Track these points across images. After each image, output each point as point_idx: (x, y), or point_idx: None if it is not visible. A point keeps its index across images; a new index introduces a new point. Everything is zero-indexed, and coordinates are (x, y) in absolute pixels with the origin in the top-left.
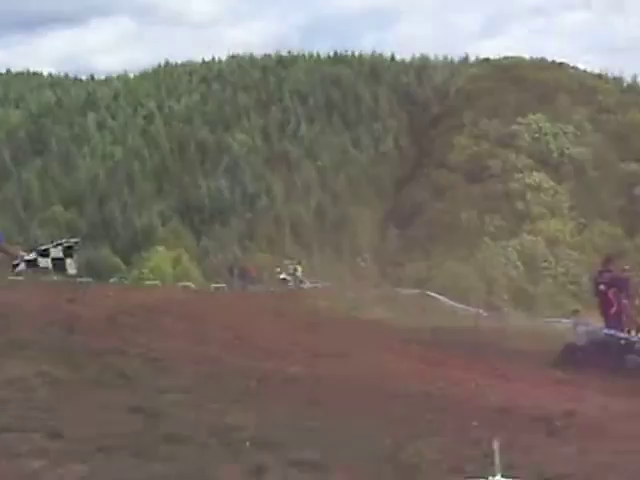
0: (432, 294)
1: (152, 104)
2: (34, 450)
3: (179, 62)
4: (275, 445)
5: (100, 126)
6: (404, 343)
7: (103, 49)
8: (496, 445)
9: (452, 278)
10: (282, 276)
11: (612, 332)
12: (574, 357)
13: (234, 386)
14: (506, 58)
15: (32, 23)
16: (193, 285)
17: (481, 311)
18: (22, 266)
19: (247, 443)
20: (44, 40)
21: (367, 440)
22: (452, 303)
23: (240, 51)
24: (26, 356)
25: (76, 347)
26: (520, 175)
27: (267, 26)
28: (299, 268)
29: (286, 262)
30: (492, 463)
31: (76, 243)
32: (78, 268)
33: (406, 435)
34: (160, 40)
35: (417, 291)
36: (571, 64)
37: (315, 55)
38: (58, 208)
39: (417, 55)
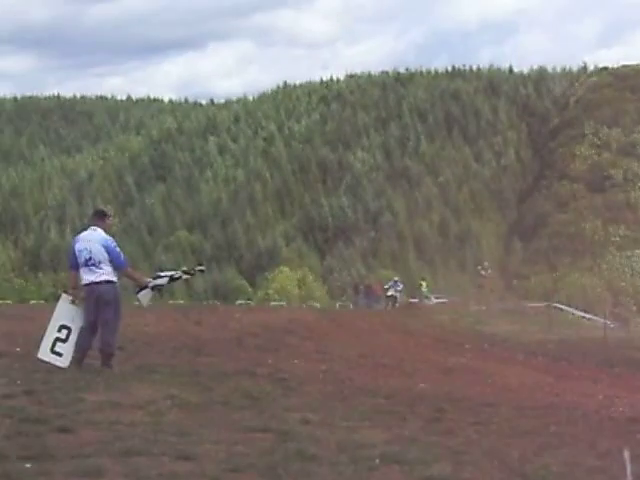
0: (558, 306)
1: (272, 126)
2: (164, 473)
3: (298, 83)
4: (404, 462)
5: (221, 150)
6: (531, 356)
7: (222, 73)
8: (627, 455)
9: (578, 290)
10: (389, 293)
11: None
12: None
13: (361, 404)
14: (625, 66)
15: (150, 50)
16: (318, 304)
17: (608, 322)
18: (147, 291)
19: (377, 460)
20: (163, 66)
21: (495, 454)
22: (579, 314)
23: (358, 70)
24: (155, 380)
25: (204, 369)
26: None
27: (384, 44)
28: (424, 284)
29: (390, 280)
30: (624, 474)
31: (201, 271)
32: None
33: (533, 448)
34: (278, 61)
35: (543, 303)
36: None
37: (433, 71)
38: (182, 232)
39: (535, 67)
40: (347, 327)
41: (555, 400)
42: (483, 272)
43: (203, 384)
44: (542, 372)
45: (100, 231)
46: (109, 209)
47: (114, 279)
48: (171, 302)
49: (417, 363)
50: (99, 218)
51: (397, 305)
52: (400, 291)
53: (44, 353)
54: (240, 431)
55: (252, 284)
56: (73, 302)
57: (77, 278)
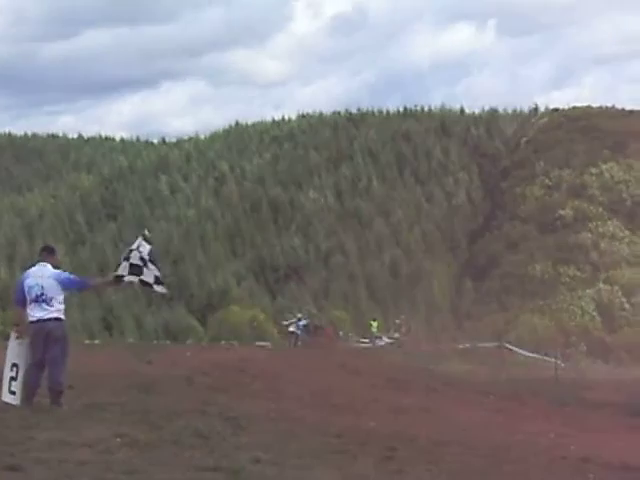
0: (509, 346)
1: (224, 165)
2: None
3: (250, 122)
4: None
5: (173, 189)
6: (482, 395)
7: (174, 112)
8: None
9: (529, 330)
10: (290, 329)
11: None
12: None
13: (313, 442)
14: (576, 108)
15: (102, 88)
16: (269, 344)
17: (559, 362)
18: (128, 277)
19: None
20: (115, 105)
21: None
22: (530, 355)
23: (310, 110)
24: (104, 418)
25: (154, 408)
26: (593, 225)
27: (337, 84)
28: (374, 324)
29: (293, 314)
30: None
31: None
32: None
33: None
34: (231, 101)
35: (494, 344)
36: None
37: (385, 111)
38: None
39: (486, 108)
40: (298, 366)
41: (507, 439)
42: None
43: (153, 423)
44: (494, 411)
45: (50, 267)
46: (56, 246)
47: (63, 317)
48: (121, 342)
49: (368, 402)
50: (48, 254)
51: (299, 344)
52: (303, 327)
53: (5, 395)
54: (191, 470)
55: (203, 323)
56: (18, 338)
57: (23, 314)
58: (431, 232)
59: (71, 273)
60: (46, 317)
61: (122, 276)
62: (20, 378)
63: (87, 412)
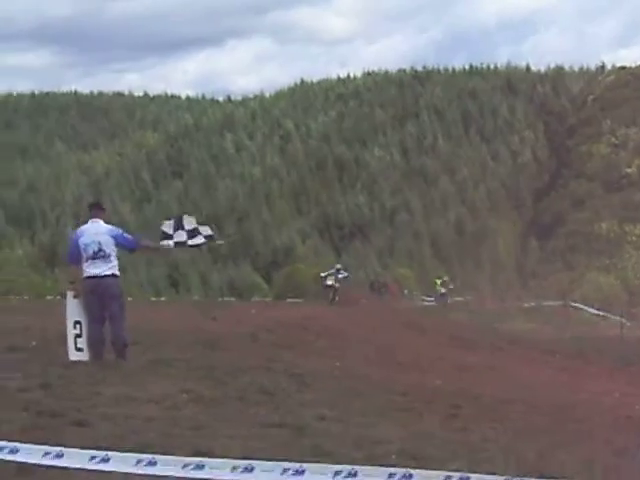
0: (575, 304)
1: (289, 123)
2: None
3: (315, 80)
4: (421, 458)
5: (238, 147)
6: (547, 354)
7: (239, 70)
8: None
9: (594, 288)
10: (328, 282)
11: None
12: None
13: (377, 400)
14: None
15: (168, 46)
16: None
17: (624, 321)
18: (171, 245)
19: (393, 456)
20: (181, 63)
21: (511, 451)
22: (595, 313)
23: (375, 67)
24: (170, 374)
25: (219, 364)
26: None
27: (403, 42)
28: (438, 282)
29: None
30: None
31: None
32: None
33: (549, 445)
34: (296, 59)
35: (559, 302)
36: None
37: (450, 69)
38: None
39: (552, 66)
40: (363, 324)
41: (571, 398)
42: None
43: (218, 379)
44: (558, 370)
45: (102, 222)
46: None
47: (118, 273)
48: (187, 298)
49: (433, 360)
50: (98, 210)
51: (337, 298)
52: (343, 280)
53: (72, 354)
54: (256, 426)
55: (268, 281)
56: (76, 297)
57: (78, 272)
58: (496, 190)
59: (125, 231)
60: (102, 274)
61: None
62: (85, 334)
63: (153, 368)
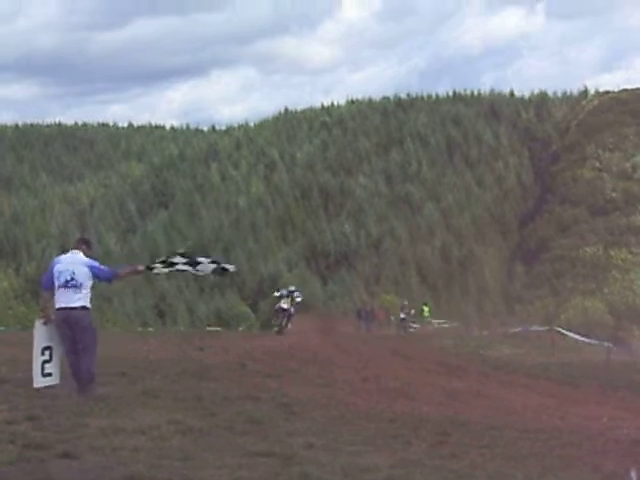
0: (561, 330)
1: (274, 152)
2: None
3: (299, 109)
4: None
5: (223, 176)
6: (534, 379)
7: (224, 99)
8: (634, 477)
9: (580, 313)
10: (283, 305)
11: None
12: None
13: (365, 428)
14: (626, 90)
15: (153, 77)
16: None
17: (611, 346)
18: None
19: None
20: (165, 93)
21: (499, 477)
22: (581, 338)
23: (359, 96)
24: (158, 405)
25: (207, 394)
26: None
27: (387, 69)
28: (426, 308)
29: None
30: None
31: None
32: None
33: (538, 470)
34: (281, 87)
35: (546, 328)
36: None
37: (434, 96)
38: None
39: (536, 91)
40: (350, 352)
41: (559, 423)
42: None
43: (206, 409)
44: (546, 395)
45: (81, 254)
46: (93, 239)
47: (89, 305)
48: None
49: (420, 387)
50: (81, 243)
51: (289, 326)
52: (297, 305)
53: (38, 381)
54: (244, 456)
55: (255, 310)
56: (45, 323)
57: (49, 299)
58: (482, 216)
59: (101, 264)
60: (72, 306)
61: (153, 268)
62: (55, 358)
63: (140, 399)
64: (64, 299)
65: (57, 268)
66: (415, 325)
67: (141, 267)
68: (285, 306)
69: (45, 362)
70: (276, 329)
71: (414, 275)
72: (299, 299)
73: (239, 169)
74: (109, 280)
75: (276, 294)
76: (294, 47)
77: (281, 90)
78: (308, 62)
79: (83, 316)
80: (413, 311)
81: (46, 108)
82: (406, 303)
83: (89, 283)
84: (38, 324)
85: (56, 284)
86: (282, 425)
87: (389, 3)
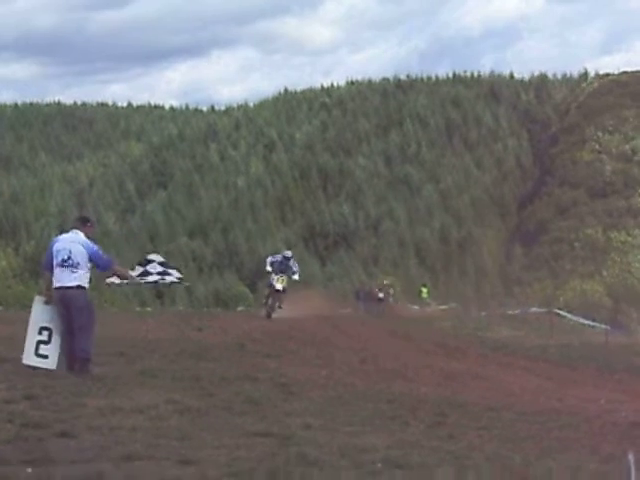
0: (559, 312)
1: (273, 133)
2: (165, 477)
3: (298, 90)
4: (407, 466)
5: (222, 156)
6: (532, 361)
7: (224, 80)
8: (631, 459)
9: (579, 295)
10: (277, 285)
11: None
12: None
13: (363, 408)
14: (626, 73)
15: (153, 56)
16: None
17: (609, 328)
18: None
19: (379, 465)
20: (165, 73)
21: (497, 459)
22: (580, 320)
23: (359, 77)
24: (156, 385)
25: (205, 374)
26: None
27: (387, 51)
28: (424, 290)
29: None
30: (627, 478)
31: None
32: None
33: (536, 452)
34: (281, 68)
35: (544, 309)
36: None
37: (434, 78)
38: (183, 239)
39: (536, 73)
40: (348, 333)
41: (557, 405)
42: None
43: (205, 389)
44: (544, 377)
45: (81, 234)
46: (93, 217)
47: (85, 285)
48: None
49: (419, 368)
50: (81, 223)
51: (280, 307)
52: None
53: (29, 358)
54: (242, 436)
55: (253, 290)
56: (47, 303)
57: (50, 279)
58: (480, 198)
59: (100, 244)
60: (68, 285)
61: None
62: (55, 341)
63: (139, 379)
64: (60, 278)
65: (56, 247)
66: (411, 305)
67: (131, 274)
68: (279, 286)
69: (41, 342)
70: (264, 312)
71: (412, 257)
72: (296, 277)
73: (238, 149)
74: (105, 268)
75: (268, 268)
76: (294, 28)
77: (281, 71)
78: (308, 43)
79: (79, 295)
80: (392, 291)
81: (45, 87)
82: (386, 282)
83: (87, 263)
84: (38, 300)
85: (54, 263)
86: (280, 405)
87: None
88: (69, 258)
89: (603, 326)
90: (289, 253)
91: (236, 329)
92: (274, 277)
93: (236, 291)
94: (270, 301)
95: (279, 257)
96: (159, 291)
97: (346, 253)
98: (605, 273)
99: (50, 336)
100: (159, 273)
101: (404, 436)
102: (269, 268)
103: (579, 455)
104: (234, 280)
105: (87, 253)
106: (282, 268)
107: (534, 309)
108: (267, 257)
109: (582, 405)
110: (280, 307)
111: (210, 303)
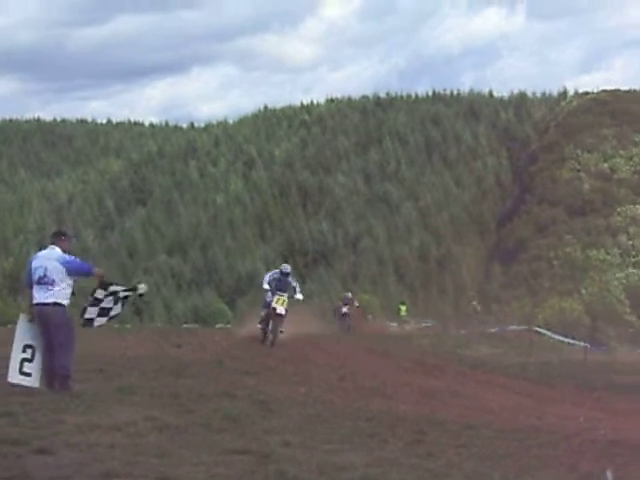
0: (539, 329)
1: (252, 150)
2: None
3: (278, 107)
4: None
5: (201, 173)
6: (511, 379)
7: (204, 96)
8: (610, 477)
9: (557, 313)
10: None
11: None
12: None
13: (342, 426)
14: (605, 91)
15: (133, 73)
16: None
17: (588, 346)
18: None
19: None
20: (145, 90)
21: (476, 477)
22: (559, 338)
23: (339, 94)
24: (134, 402)
25: (184, 391)
26: (623, 208)
27: (367, 68)
28: (403, 307)
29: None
30: None
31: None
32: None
33: (515, 470)
34: (260, 85)
35: (523, 327)
36: None
37: (413, 95)
38: (162, 256)
39: (515, 91)
40: (327, 350)
41: (536, 423)
42: (474, 303)
43: (183, 406)
44: (523, 395)
45: (58, 250)
46: (69, 230)
47: (63, 302)
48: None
49: (397, 386)
50: (58, 238)
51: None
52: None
53: (13, 376)
54: (220, 453)
55: (232, 307)
56: (31, 321)
57: (31, 296)
58: (460, 216)
59: (77, 257)
60: (45, 302)
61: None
62: (37, 359)
63: (117, 396)
64: (38, 295)
65: (34, 264)
66: (389, 323)
67: (101, 284)
68: (281, 310)
69: (25, 360)
70: (262, 336)
71: (391, 274)
72: (299, 296)
73: (217, 166)
74: (86, 274)
75: (266, 285)
76: (275, 45)
77: (261, 88)
78: (289, 60)
79: (55, 312)
80: (357, 304)
81: (25, 104)
82: (350, 296)
83: (64, 279)
84: (22, 319)
85: (33, 280)
86: (259, 423)
87: (370, 1)
88: (45, 275)
89: (582, 344)
90: (288, 267)
91: (215, 346)
92: (273, 297)
93: (215, 308)
94: (271, 325)
95: (277, 273)
96: (138, 308)
97: (325, 271)
98: (584, 291)
99: (33, 354)
100: (111, 294)
101: (383, 454)
102: (267, 286)
103: (558, 473)
104: (213, 297)
105: (64, 268)
106: (281, 286)
107: (513, 327)
108: (266, 274)
109: (561, 423)
110: (282, 332)
111: (189, 320)
